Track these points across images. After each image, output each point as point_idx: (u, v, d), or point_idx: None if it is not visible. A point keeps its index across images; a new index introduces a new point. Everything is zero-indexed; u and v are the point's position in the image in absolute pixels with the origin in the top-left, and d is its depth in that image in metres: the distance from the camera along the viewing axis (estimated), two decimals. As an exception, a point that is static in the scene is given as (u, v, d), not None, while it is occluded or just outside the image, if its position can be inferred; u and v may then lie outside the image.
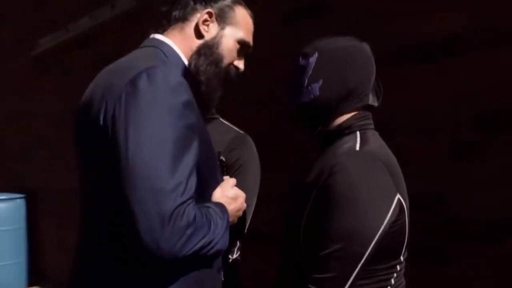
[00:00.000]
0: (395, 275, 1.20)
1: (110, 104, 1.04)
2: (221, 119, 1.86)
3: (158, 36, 1.29)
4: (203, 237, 1.02)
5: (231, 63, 1.33)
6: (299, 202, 1.24)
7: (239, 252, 1.84)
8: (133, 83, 1.02)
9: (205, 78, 1.27)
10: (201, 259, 1.05)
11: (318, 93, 1.23)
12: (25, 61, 5.41)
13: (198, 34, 1.27)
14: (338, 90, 1.23)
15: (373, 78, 1.28)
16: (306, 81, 1.24)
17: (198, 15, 1.28)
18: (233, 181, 1.29)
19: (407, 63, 2.10)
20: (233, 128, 1.83)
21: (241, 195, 1.28)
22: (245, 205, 1.31)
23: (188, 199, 0.99)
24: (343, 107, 1.25)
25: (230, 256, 1.80)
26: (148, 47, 1.25)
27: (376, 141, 1.24)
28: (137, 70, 1.04)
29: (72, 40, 4.49)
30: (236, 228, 1.70)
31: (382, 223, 1.09)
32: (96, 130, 1.07)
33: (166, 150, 0.98)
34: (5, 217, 4.80)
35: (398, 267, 1.21)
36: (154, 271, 1.06)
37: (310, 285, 1.11)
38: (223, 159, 1.72)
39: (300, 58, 1.28)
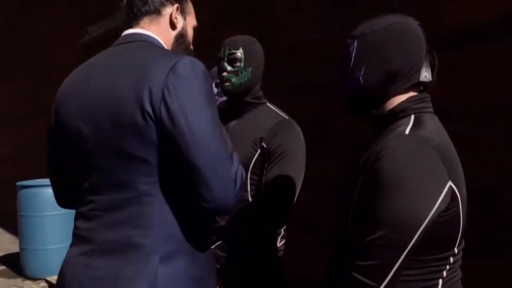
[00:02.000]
0: (447, 267, 1.15)
1: (155, 90, 1.18)
2: (268, 104, 1.83)
3: (140, 31, 1.39)
4: None
5: None
6: (348, 188, 1.22)
7: (283, 241, 1.81)
8: (175, 71, 1.19)
9: None
10: None
11: (362, 81, 1.21)
12: (75, 49, 5.53)
13: (173, 26, 1.43)
14: (378, 75, 1.20)
15: (423, 52, 1.21)
16: (351, 72, 1.24)
17: (168, 9, 1.41)
18: None
19: (462, 48, 2.03)
20: (278, 113, 1.79)
21: None
22: None
23: (239, 163, 1.25)
24: (391, 90, 1.21)
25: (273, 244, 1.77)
26: (139, 42, 1.35)
27: (433, 125, 1.18)
28: (171, 61, 1.20)
29: (120, 28, 4.54)
30: (280, 215, 1.68)
31: (430, 211, 1.06)
32: (136, 112, 1.17)
33: (216, 126, 1.20)
34: (57, 201, 4.95)
35: (451, 259, 1.15)
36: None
37: (354, 273, 1.09)
38: (264, 145, 1.69)
39: (343, 49, 1.27)
